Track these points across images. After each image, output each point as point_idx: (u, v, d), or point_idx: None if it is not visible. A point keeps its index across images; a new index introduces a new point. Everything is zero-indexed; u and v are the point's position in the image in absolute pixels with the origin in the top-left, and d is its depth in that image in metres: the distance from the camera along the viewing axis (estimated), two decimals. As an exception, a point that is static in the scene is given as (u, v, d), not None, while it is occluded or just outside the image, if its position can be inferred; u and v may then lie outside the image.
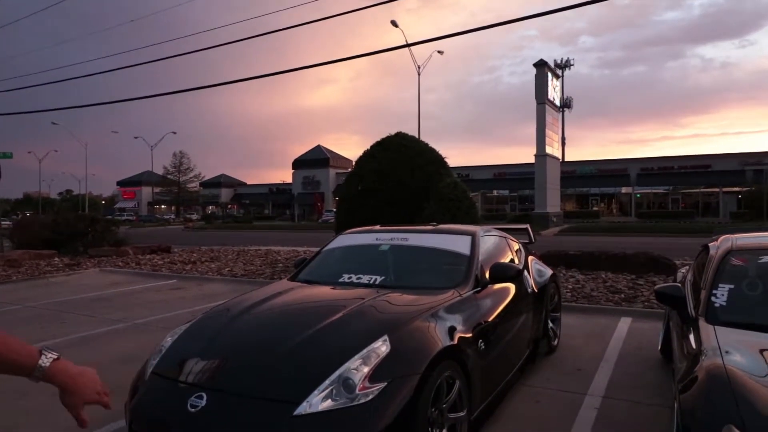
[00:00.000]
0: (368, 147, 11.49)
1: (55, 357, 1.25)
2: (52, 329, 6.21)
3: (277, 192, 67.06)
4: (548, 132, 31.57)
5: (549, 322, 4.87)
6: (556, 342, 5.06)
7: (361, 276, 3.79)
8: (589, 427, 3.31)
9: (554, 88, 33.53)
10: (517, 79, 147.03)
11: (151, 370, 2.83)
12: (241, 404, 2.38)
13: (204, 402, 2.40)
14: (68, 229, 15.58)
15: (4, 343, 1.18)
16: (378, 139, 11.49)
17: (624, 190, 48.04)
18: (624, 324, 6.02)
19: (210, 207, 71.20)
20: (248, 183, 73.96)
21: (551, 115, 32.66)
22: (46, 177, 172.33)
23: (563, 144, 50.12)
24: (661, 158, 46.80)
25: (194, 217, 64.25)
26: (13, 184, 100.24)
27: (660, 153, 59.39)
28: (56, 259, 13.57)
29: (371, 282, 3.68)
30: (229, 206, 70.75)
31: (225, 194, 71.87)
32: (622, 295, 7.32)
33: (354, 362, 2.46)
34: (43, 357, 1.23)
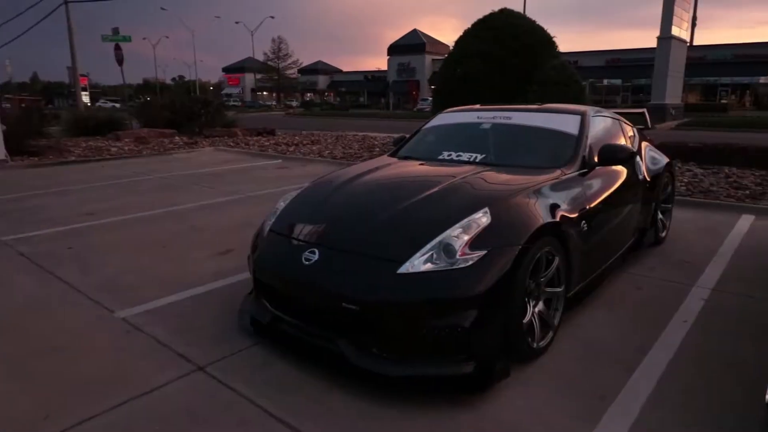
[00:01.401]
0: (468, 28, 10.80)
1: None
2: (181, 196, 7.00)
3: (372, 80, 66.12)
4: (677, 9, 27.05)
5: (659, 212, 4.62)
6: (664, 234, 4.82)
7: (461, 153, 3.76)
8: (694, 316, 3.22)
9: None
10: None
11: (268, 228, 3.12)
12: (350, 260, 2.58)
13: (317, 256, 2.62)
14: (184, 110, 16.78)
15: None
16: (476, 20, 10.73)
17: (762, 79, 41.66)
18: (745, 221, 5.56)
19: (308, 94, 72.33)
20: (344, 70, 73.46)
21: (685, -12, 28.04)
22: (161, 64, 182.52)
23: (693, 25, 43.53)
24: (819, 40, 39.49)
25: (294, 103, 65.94)
26: (133, 70, 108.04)
27: (819, 34, 50.00)
28: (177, 138, 14.84)
29: (471, 159, 3.65)
30: (326, 93, 71.41)
31: (322, 81, 72.24)
32: (747, 192, 6.66)
33: (454, 230, 2.52)
34: None
